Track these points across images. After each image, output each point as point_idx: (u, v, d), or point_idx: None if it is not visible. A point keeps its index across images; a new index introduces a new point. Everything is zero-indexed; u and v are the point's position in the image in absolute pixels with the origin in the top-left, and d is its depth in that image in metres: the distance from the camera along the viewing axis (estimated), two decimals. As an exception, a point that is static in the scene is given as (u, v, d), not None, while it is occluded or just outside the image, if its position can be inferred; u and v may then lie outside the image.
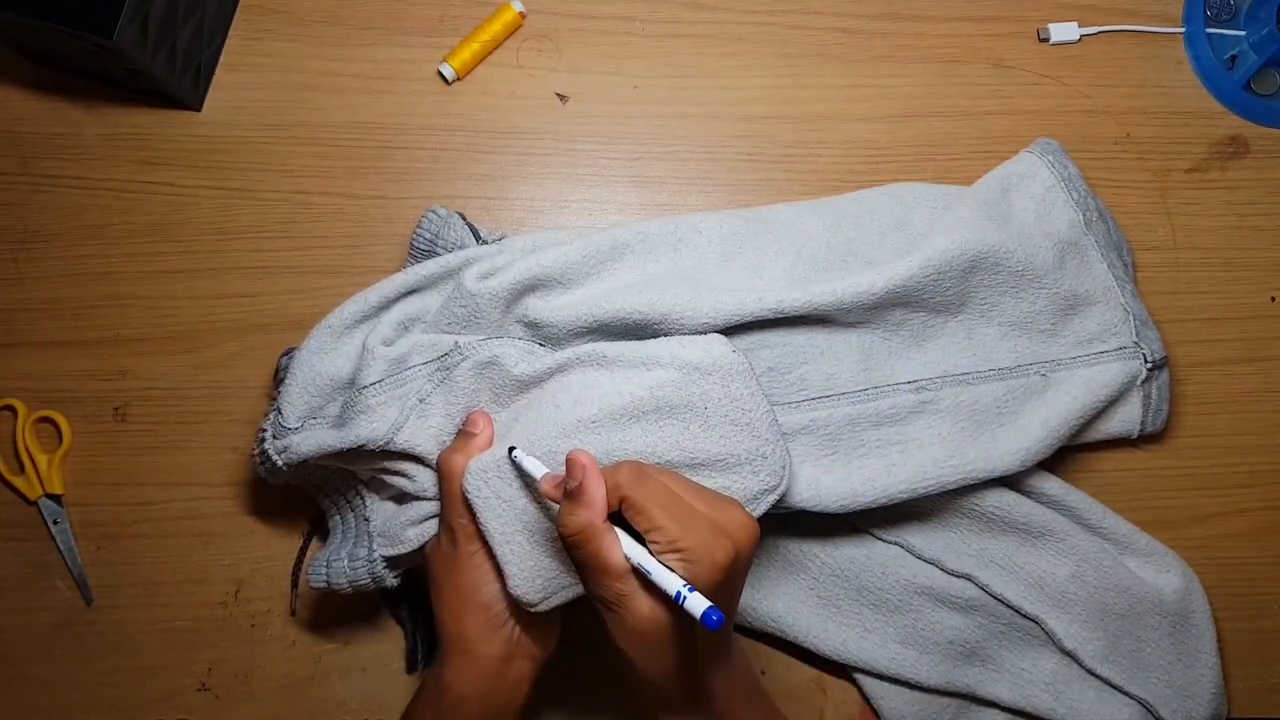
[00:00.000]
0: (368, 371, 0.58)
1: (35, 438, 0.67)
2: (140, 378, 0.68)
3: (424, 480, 0.59)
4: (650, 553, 0.48)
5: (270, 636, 0.66)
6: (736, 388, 0.56)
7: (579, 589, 0.55)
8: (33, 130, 0.70)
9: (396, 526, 0.60)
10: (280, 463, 0.58)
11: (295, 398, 0.59)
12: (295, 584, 0.66)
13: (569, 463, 0.50)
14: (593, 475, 0.49)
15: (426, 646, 0.65)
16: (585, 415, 0.56)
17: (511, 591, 0.54)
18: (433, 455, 0.58)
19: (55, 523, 0.66)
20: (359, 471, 0.61)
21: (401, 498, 0.61)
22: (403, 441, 0.57)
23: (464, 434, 0.58)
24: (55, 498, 0.66)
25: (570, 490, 0.49)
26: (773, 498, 0.57)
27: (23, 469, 0.66)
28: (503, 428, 0.59)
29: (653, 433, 0.55)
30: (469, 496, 0.55)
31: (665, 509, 0.48)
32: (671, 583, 0.47)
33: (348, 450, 0.57)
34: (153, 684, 0.65)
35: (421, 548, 0.59)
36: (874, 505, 0.62)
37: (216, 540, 0.67)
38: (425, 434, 0.58)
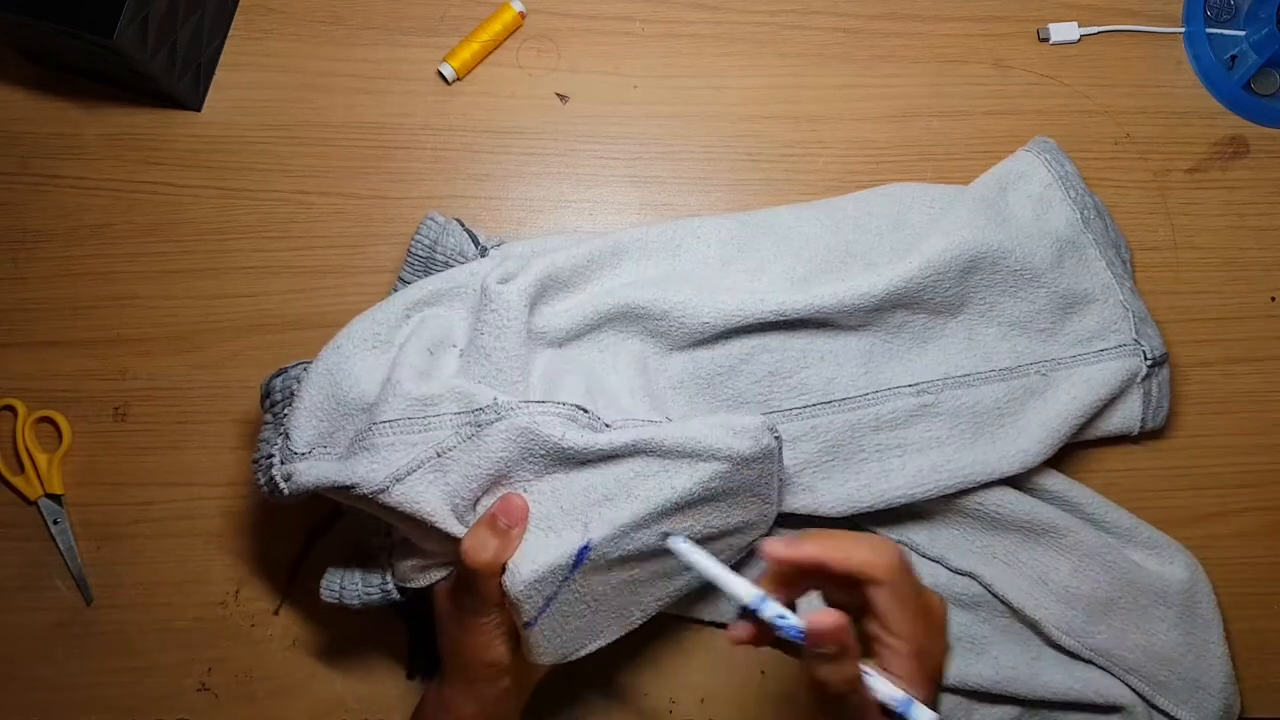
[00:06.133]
0: (385, 407, 0.54)
1: (35, 438, 0.67)
2: (140, 378, 0.68)
3: (431, 548, 0.56)
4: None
5: (270, 636, 0.66)
6: (770, 469, 0.57)
7: (593, 646, 0.56)
8: (33, 130, 0.70)
9: (406, 569, 0.58)
10: (285, 490, 0.55)
11: (304, 422, 0.56)
12: (291, 580, 0.66)
13: (820, 629, 0.44)
14: (845, 628, 0.44)
15: (427, 653, 0.65)
16: (638, 512, 0.53)
17: (531, 660, 0.54)
18: (439, 515, 0.54)
19: (55, 523, 0.66)
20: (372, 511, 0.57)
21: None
22: (399, 495, 0.53)
23: (494, 523, 0.53)
24: (55, 498, 0.66)
25: (834, 652, 0.44)
26: (759, 536, 0.61)
27: (23, 469, 0.66)
28: (542, 505, 0.55)
29: (690, 518, 0.55)
30: (519, 603, 0.52)
31: (915, 616, 0.46)
32: (894, 694, 0.44)
33: (351, 492, 0.53)
34: (152, 684, 0.65)
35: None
36: (870, 510, 0.62)
37: (216, 540, 0.66)
38: (436, 491, 0.53)
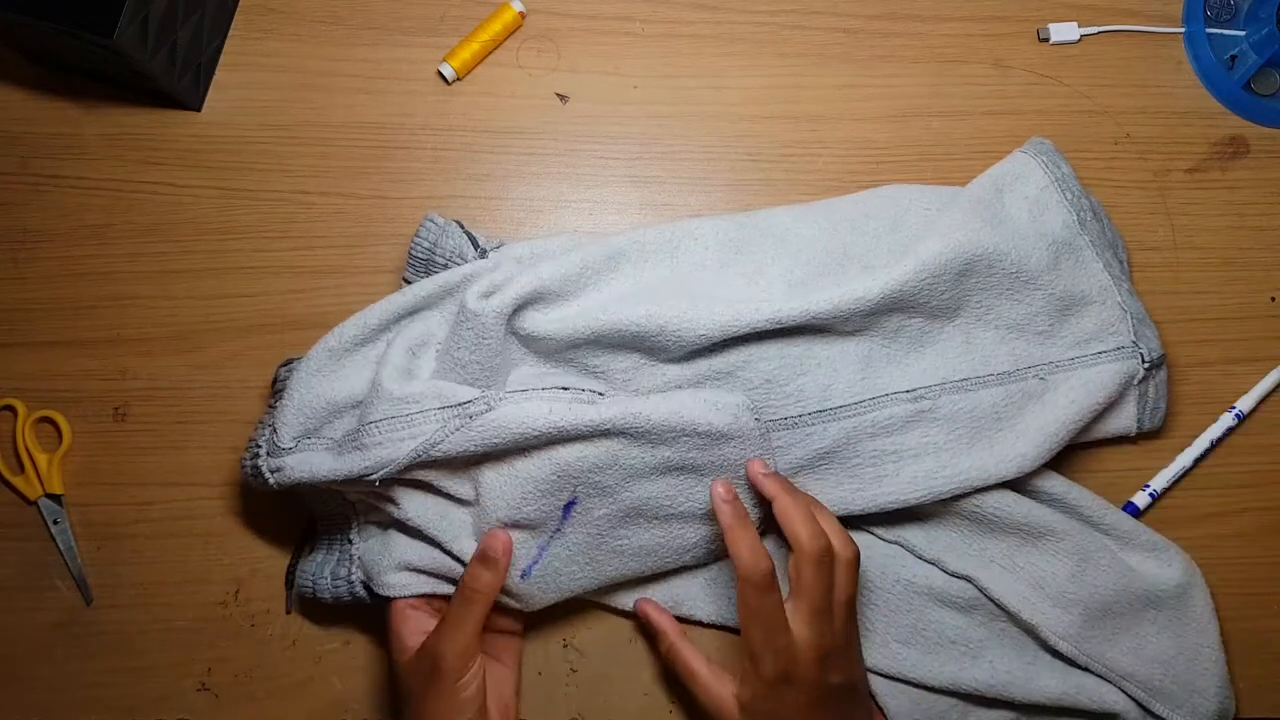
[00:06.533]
0: (371, 409, 0.57)
1: (35, 438, 0.67)
2: (140, 378, 0.68)
3: (409, 508, 0.59)
4: None
5: (270, 636, 0.66)
6: (751, 451, 0.60)
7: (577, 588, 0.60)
8: (33, 130, 0.70)
9: (378, 568, 0.60)
10: (272, 482, 0.58)
11: (291, 418, 0.59)
12: (290, 584, 0.66)
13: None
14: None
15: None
16: (621, 475, 0.58)
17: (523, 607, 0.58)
18: (438, 481, 0.58)
19: (55, 523, 0.66)
20: (347, 493, 0.61)
21: (387, 525, 0.61)
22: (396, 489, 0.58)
23: (487, 558, 0.57)
24: (55, 498, 0.66)
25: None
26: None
27: (23, 469, 0.66)
28: (537, 466, 0.58)
29: (675, 486, 0.59)
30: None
31: (812, 616, 0.57)
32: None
33: (344, 483, 0.57)
34: (152, 684, 0.65)
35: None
36: (862, 513, 0.63)
37: (216, 540, 0.66)
38: (431, 472, 0.58)
